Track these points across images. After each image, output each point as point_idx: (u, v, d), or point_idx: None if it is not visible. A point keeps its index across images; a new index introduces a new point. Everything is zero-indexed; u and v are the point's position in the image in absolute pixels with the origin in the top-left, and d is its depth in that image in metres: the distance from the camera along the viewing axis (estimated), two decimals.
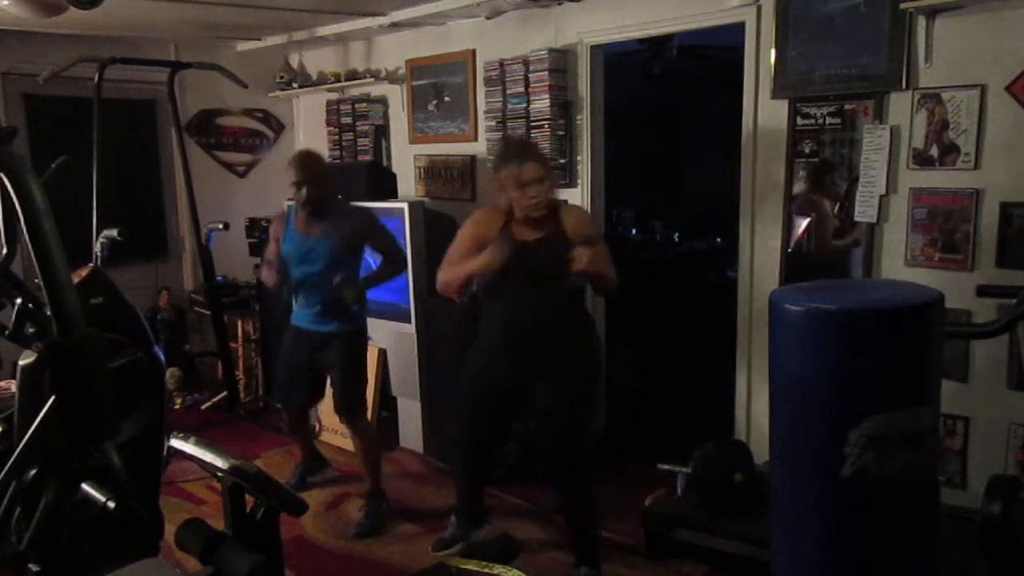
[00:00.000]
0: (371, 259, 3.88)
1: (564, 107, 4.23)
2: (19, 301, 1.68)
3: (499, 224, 2.98)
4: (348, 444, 4.49)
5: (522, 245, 2.89)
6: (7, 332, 1.73)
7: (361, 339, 3.71)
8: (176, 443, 1.69)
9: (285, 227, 3.65)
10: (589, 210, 4.28)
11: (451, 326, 4.09)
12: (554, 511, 3.44)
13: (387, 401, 4.62)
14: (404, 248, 4.05)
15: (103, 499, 1.48)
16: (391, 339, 4.47)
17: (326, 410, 4.64)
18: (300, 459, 4.12)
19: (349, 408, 3.69)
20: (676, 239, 7.46)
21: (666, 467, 3.34)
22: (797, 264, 3.52)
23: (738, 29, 3.61)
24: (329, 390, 3.80)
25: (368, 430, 3.82)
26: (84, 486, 1.52)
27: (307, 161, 3.59)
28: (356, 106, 5.38)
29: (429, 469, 4.31)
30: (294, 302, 3.78)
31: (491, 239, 2.92)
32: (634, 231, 7.41)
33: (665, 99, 7.65)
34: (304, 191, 3.51)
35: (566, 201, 3.08)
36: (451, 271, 3.03)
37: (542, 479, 3.38)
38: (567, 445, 3.01)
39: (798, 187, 3.47)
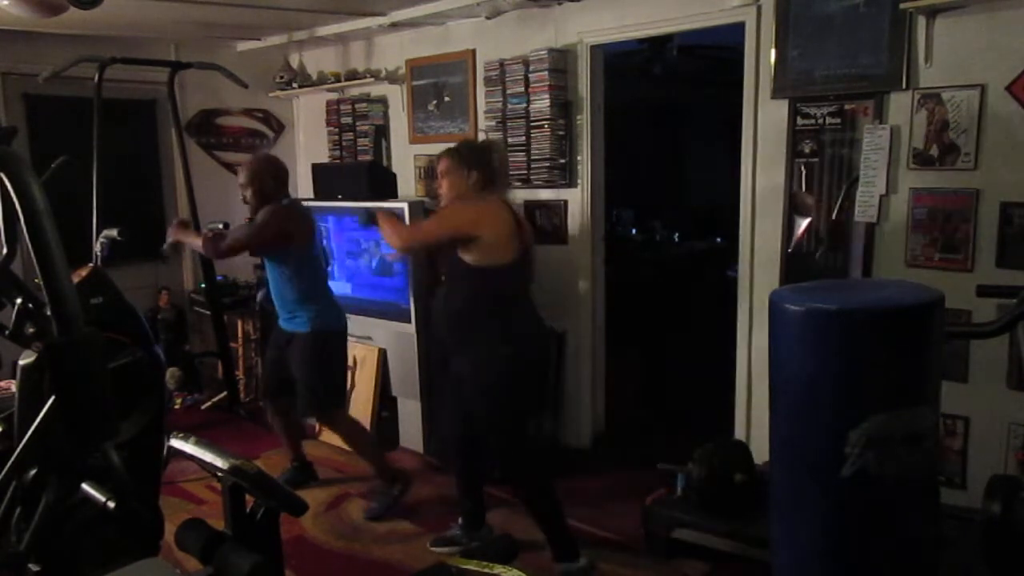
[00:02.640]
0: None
1: (564, 107, 4.23)
2: (19, 301, 1.68)
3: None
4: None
5: None
6: (7, 332, 1.72)
7: (323, 339, 3.67)
8: (176, 443, 1.69)
9: None
10: (589, 210, 4.29)
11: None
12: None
13: (387, 401, 4.62)
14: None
15: (103, 499, 1.48)
16: (391, 339, 4.47)
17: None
18: (289, 462, 4.12)
19: (314, 409, 3.77)
20: (676, 239, 7.47)
21: (666, 467, 3.34)
22: (797, 264, 3.53)
23: (738, 29, 3.61)
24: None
25: (346, 425, 3.84)
26: (84, 486, 1.51)
27: (247, 167, 3.69)
28: (356, 106, 5.37)
29: (429, 469, 4.30)
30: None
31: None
32: (634, 231, 7.41)
33: (665, 99, 7.65)
34: (243, 196, 3.66)
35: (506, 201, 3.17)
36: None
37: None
38: (492, 439, 3.10)
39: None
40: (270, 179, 3.63)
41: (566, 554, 3.08)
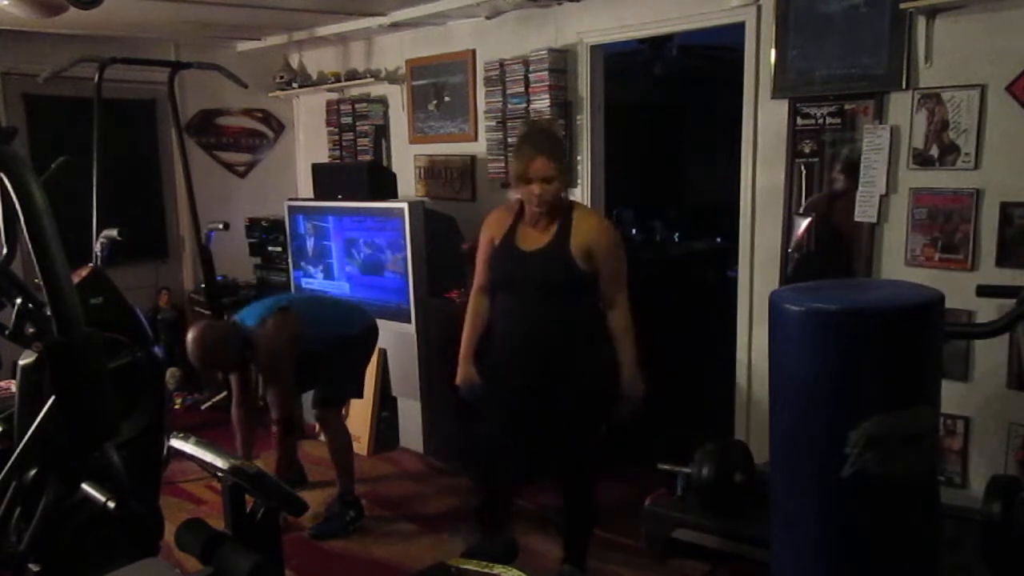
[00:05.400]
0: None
1: (564, 107, 4.23)
2: (19, 301, 1.68)
3: (507, 226, 2.87)
4: None
5: (522, 255, 2.81)
6: (7, 332, 1.72)
7: (344, 344, 3.62)
8: (176, 443, 1.69)
9: None
10: None
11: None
12: (554, 509, 3.38)
13: (387, 401, 4.62)
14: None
15: (103, 499, 1.48)
16: (391, 339, 4.47)
17: None
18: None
19: (318, 403, 3.69)
20: (676, 239, 7.46)
21: (666, 467, 3.34)
22: (797, 264, 3.52)
23: (738, 29, 3.61)
24: None
25: (338, 430, 3.73)
26: (84, 486, 1.51)
27: (196, 349, 3.34)
28: (356, 106, 5.38)
29: (429, 469, 4.30)
30: None
31: (496, 242, 2.88)
32: (634, 231, 7.40)
33: (665, 99, 7.65)
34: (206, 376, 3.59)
35: (582, 206, 2.96)
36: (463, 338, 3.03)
37: (546, 479, 3.31)
38: (576, 448, 2.95)
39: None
40: (221, 347, 3.40)
41: (581, 560, 3.05)
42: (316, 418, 3.78)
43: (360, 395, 3.95)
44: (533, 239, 2.84)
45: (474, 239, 3.13)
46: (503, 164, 4.47)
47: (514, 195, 2.97)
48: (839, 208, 3.37)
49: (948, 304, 2.25)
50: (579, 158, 4.27)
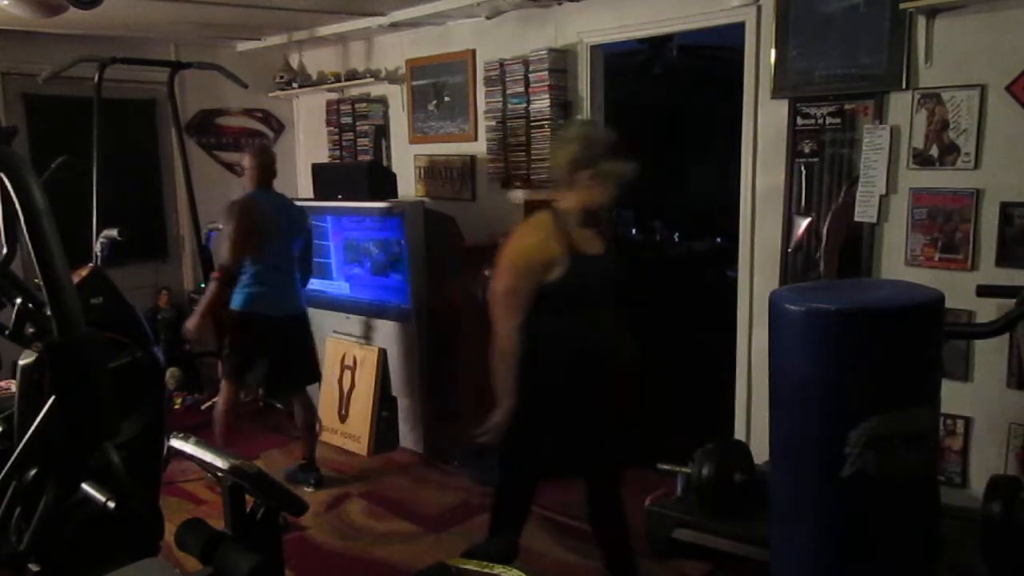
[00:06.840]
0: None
1: (564, 107, 4.23)
2: (19, 301, 1.68)
3: (561, 241, 2.57)
4: (348, 444, 4.51)
5: (593, 261, 2.63)
6: (7, 332, 1.72)
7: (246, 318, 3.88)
8: (176, 443, 1.69)
9: None
10: None
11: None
12: (594, 533, 3.04)
13: (387, 401, 4.62)
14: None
15: (103, 499, 1.48)
16: (391, 339, 4.47)
17: (326, 410, 4.65)
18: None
19: (279, 390, 4.13)
20: (676, 239, 7.47)
21: (666, 467, 3.34)
22: (797, 264, 3.52)
23: (738, 29, 3.61)
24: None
25: (303, 406, 4.02)
26: (84, 486, 1.51)
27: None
28: (356, 106, 5.38)
29: (429, 469, 4.30)
30: None
31: (558, 259, 2.56)
32: (634, 231, 7.41)
33: (665, 99, 7.66)
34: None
35: None
36: (497, 366, 2.59)
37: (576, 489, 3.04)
38: (617, 458, 2.90)
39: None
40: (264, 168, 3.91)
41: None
42: (283, 401, 4.00)
43: (318, 378, 4.27)
44: (589, 242, 2.68)
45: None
46: (503, 164, 4.47)
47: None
48: None
49: (948, 304, 2.25)
50: None
